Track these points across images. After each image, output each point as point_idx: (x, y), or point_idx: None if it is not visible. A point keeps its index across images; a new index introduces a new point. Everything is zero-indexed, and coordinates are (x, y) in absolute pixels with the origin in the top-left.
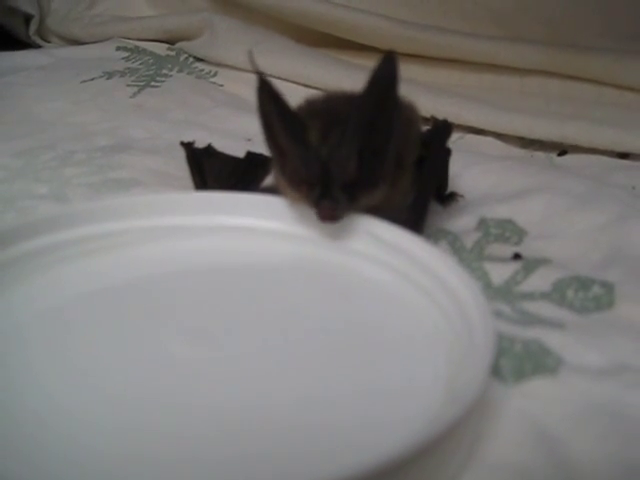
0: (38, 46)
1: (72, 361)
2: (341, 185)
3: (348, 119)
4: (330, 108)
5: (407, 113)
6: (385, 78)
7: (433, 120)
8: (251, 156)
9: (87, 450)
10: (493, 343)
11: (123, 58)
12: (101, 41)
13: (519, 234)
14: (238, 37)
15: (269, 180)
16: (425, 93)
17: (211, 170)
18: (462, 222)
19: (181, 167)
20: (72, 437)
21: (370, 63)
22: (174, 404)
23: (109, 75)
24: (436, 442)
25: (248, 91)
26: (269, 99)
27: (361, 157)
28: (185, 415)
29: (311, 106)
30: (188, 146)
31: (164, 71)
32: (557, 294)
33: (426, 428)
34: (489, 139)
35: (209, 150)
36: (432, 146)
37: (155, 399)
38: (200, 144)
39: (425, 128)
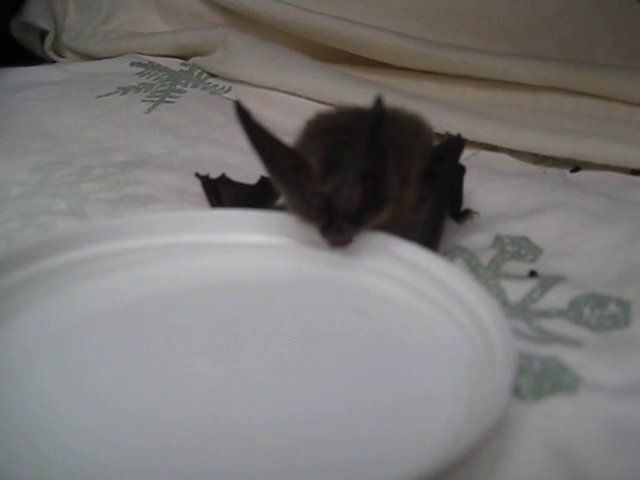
0: (53, 61)
1: (89, 379)
2: (345, 215)
3: (347, 163)
4: (338, 127)
5: (412, 124)
6: (375, 119)
7: (447, 135)
8: (264, 181)
9: (106, 468)
10: (514, 362)
11: (137, 73)
12: (115, 56)
13: (534, 252)
14: (252, 53)
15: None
16: (439, 110)
17: (227, 195)
18: (478, 239)
19: (197, 183)
20: (89, 456)
21: (384, 79)
22: (193, 421)
23: (124, 90)
24: (459, 462)
25: (262, 107)
26: (260, 140)
27: (363, 187)
28: (205, 431)
29: (318, 124)
30: (203, 178)
31: (178, 87)
32: (573, 312)
33: (447, 447)
34: (502, 155)
35: (223, 179)
36: (445, 161)
37: (173, 416)
38: (215, 160)
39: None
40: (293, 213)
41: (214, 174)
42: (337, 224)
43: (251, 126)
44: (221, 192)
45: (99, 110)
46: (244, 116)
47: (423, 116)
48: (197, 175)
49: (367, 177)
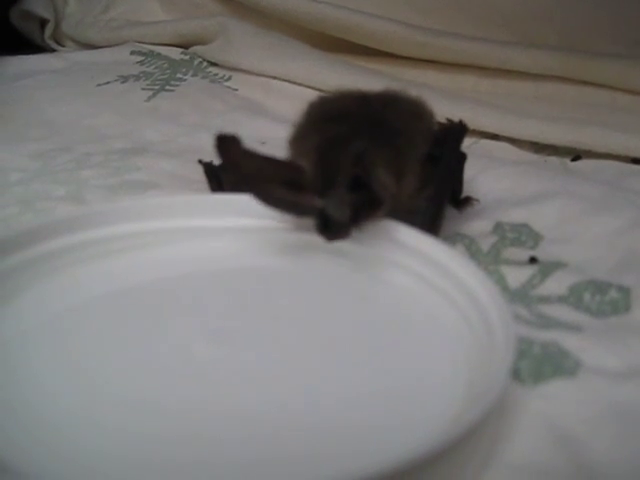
0: (53, 50)
1: (87, 362)
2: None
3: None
4: (337, 114)
5: (414, 108)
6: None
7: (448, 121)
8: None
9: (102, 454)
10: (514, 345)
11: (138, 62)
12: (116, 45)
13: (535, 238)
14: (252, 41)
15: None
16: (440, 98)
17: (228, 181)
18: (478, 226)
19: (196, 170)
20: (86, 441)
21: (385, 68)
22: (192, 405)
23: (124, 79)
24: (457, 443)
25: (262, 95)
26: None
27: (356, 197)
28: (204, 416)
29: (320, 107)
30: (207, 165)
31: (178, 75)
32: (574, 298)
33: (446, 429)
34: (503, 144)
35: (225, 166)
36: (446, 147)
37: (171, 400)
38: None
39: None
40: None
41: (214, 162)
42: (333, 228)
43: (234, 156)
44: (223, 179)
45: (99, 98)
46: (225, 147)
47: (425, 100)
48: (200, 162)
49: (359, 185)
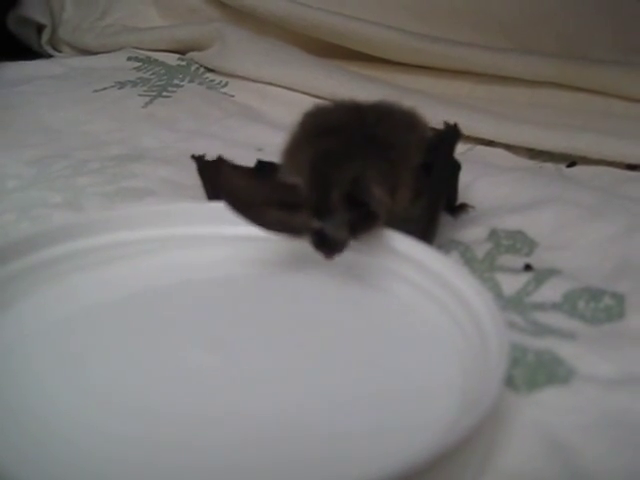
0: (50, 56)
1: (85, 370)
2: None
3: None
4: (331, 126)
5: (408, 119)
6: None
7: (444, 125)
8: (261, 165)
9: (102, 459)
10: (507, 353)
11: (135, 68)
12: (113, 51)
13: (530, 245)
14: (249, 48)
15: None
16: (435, 105)
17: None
18: (473, 233)
19: (193, 177)
20: (86, 447)
21: (380, 74)
22: (190, 411)
23: (121, 85)
24: (451, 451)
25: (259, 101)
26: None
27: (352, 215)
28: (202, 422)
29: (314, 118)
30: (199, 160)
31: (175, 81)
32: (568, 305)
33: (441, 437)
34: (499, 150)
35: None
36: (439, 153)
37: (169, 407)
38: (211, 155)
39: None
40: None
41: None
42: (329, 245)
43: (226, 181)
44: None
45: (96, 104)
46: (212, 172)
47: (419, 111)
48: (193, 157)
49: (355, 203)
